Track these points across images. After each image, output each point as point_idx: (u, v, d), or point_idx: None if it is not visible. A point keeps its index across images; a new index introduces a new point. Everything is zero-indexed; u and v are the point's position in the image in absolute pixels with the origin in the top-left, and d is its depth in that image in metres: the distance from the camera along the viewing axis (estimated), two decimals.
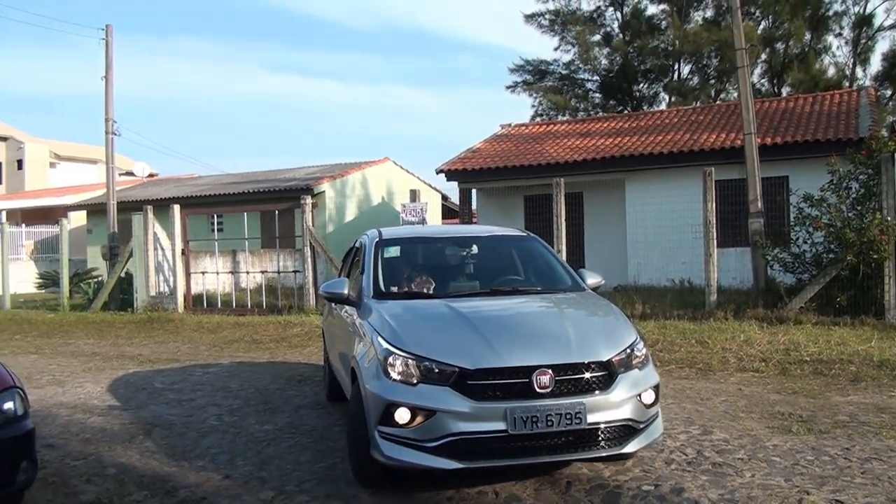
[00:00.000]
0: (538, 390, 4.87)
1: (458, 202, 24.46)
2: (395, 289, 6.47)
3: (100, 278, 23.08)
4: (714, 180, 13.79)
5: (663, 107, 35.34)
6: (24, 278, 29.22)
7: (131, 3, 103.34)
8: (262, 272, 21.13)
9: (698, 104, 30.82)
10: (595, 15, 38.05)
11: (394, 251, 7.07)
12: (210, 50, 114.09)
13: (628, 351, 5.28)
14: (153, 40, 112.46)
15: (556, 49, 39.17)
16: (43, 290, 27.46)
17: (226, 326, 16.04)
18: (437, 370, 4.95)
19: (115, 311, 19.51)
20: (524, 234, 7.58)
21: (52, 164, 52.72)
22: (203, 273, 19.88)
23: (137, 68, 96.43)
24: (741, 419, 7.29)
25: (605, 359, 5.10)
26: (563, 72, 38.56)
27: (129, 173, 40.02)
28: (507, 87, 39.79)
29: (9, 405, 4.82)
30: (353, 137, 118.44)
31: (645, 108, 35.89)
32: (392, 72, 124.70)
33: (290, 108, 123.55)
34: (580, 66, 38.23)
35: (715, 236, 13.63)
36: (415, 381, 4.95)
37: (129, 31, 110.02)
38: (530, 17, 38.21)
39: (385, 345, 5.22)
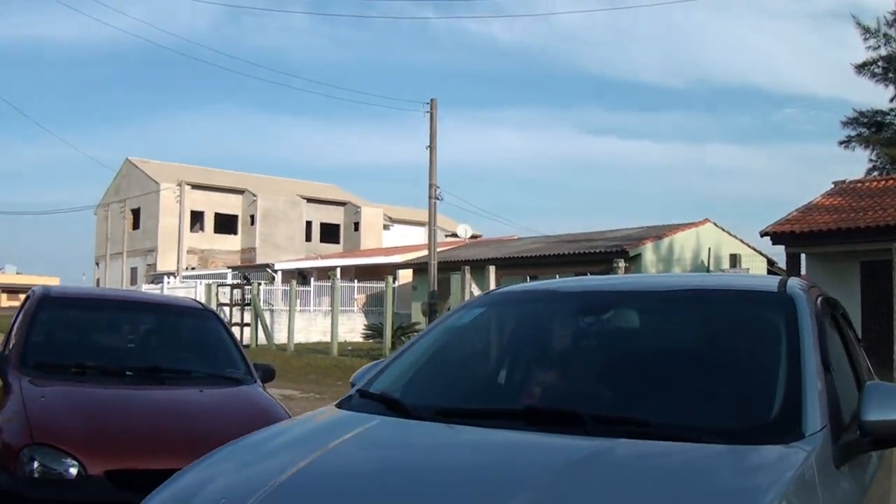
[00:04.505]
0: None
1: (785, 268, 22.80)
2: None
3: None
4: None
5: None
6: (353, 328, 31.70)
7: (457, 81, 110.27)
8: None
9: None
10: None
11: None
12: (531, 117, 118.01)
13: None
14: (478, 111, 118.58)
15: (892, 99, 35.29)
16: (370, 341, 29.32)
17: None
18: None
19: None
20: (767, 288, 3.66)
21: (385, 227, 56.91)
22: None
23: (464, 137, 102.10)
24: None
25: None
26: None
27: (454, 234, 41.88)
28: (840, 143, 36.53)
29: None
30: (670, 198, 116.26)
31: None
32: (712, 130, 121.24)
33: (608, 170, 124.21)
34: None
35: None
36: None
37: (454, 105, 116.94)
38: (861, 68, 35.06)
39: None
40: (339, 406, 3.44)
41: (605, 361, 3.51)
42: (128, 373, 5.63)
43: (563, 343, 3.72)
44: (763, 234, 21.42)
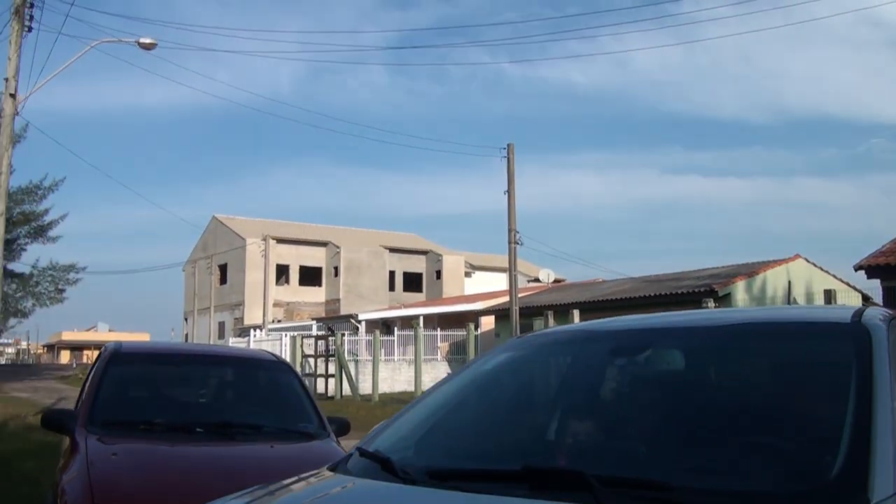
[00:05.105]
0: None
1: (882, 303, 21.77)
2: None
3: None
4: None
5: None
6: (437, 377, 31.31)
7: (534, 127, 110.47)
8: None
9: None
10: None
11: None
12: (610, 160, 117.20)
13: None
14: (557, 156, 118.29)
15: None
16: None
17: None
18: None
19: None
20: (838, 319, 2.99)
21: (467, 274, 56.82)
22: None
23: (544, 182, 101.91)
24: None
25: None
26: None
27: (536, 280, 41.48)
28: None
29: None
30: (757, 235, 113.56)
31: None
32: (796, 164, 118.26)
33: (692, 209, 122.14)
34: None
35: None
36: None
37: (532, 151, 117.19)
38: None
39: None
40: (333, 467, 2.99)
41: (632, 412, 3.00)
42: (197, 429, 5.48)
43: (590, 391, 3.20)
44: (857, 268, 20.50)
